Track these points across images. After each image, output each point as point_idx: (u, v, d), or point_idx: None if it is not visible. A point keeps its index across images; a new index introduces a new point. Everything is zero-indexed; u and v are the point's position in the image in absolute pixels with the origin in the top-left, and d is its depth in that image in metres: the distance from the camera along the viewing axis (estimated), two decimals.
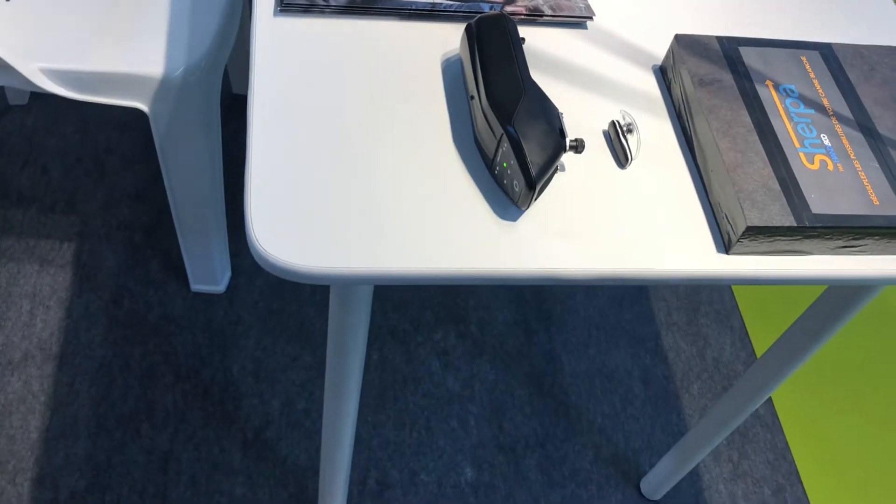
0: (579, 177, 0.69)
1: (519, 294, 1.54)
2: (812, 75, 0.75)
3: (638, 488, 1.35)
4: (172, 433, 1.29)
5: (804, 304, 1.63)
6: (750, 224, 0.63)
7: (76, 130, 1.63)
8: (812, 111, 0.72)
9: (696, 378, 1.49)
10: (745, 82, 0.73)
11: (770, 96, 0.72)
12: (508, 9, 0.78)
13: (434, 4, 0.77)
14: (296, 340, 1.42)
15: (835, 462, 1.44)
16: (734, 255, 0.66)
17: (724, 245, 0.66)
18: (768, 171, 0.67)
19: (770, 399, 1.49)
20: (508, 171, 0.64)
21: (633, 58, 0.79)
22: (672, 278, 0.64)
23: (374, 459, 1.32)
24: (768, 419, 1.46)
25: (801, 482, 1.40)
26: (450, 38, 0.77)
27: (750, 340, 1.55)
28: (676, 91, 0.74)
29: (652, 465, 1.36)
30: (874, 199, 0.67)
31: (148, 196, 1.55)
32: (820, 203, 0.65)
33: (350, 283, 0.60)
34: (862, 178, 0.68)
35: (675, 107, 0.75)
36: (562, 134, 0.64)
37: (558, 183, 0.68)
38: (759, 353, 1.54)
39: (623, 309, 1.55)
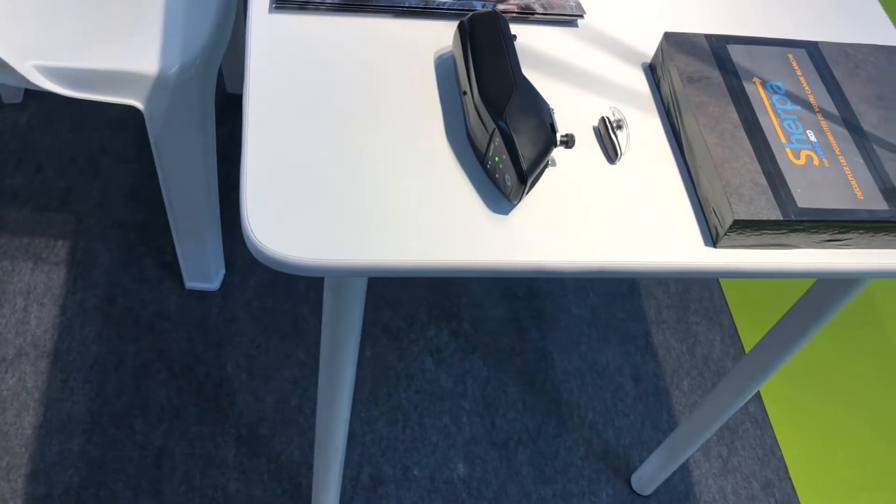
0: (570, 172, 0.70)
1: (511, 292, 1.55)
2: (798, 73, 0.76)
3: (629, 483, 1.36)
4: (167, 429, 1.30)
5: (792, 302, 1.65)
6: (737, 217, 0.64)
7: (71, 128, 1.63)
8: (798, 108, 0.73)
9: (686, 375, 1.50)
10: (733, 79, 0.74)
11: (757, 93, 0.73)
12: (500, 7, 0.80)
13: (427, 2, 0.78)
14: (289, 338, 1.43)
15: (823, 458, 1.45)
16: (721, 249, 0.67)
17: (712, 239, 0.67)
18: (755, 166, 0.68)
19: (759, 396, 1.50)
20: (500, 166, 0.65)
21: (623, 55, 0.80)
22: (661, 271, 0.65)
23: (367, 455, 1.32)
24: (758, 415, 1.47)
25: (789, 477, 1.42)
26: (443, 35, 0.78)
27: (739, 337, 1.57)
28: (665, 88, 0.76)
29: (642, 461, 1.38)
30: (858, 193, 0.68)
31: (142, 194, 1.56)
32: (806, 197, 0.67)
33: (344, 275, 0.61)
34: (847, 173, 0.69)
35: (664, 103, 0.76)
36: (553, 129, 0.65)
37: (549, 177, 0.69)
38: (748, 350, 1.56)
39: (614, 307, 1.57)
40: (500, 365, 1.46)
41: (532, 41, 0.79)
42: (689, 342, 1.55)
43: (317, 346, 1.42)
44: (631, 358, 1.50)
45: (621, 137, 0.72)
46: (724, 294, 1.62)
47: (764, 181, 0.67)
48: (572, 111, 0.74)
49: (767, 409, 1.49)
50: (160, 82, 1.05)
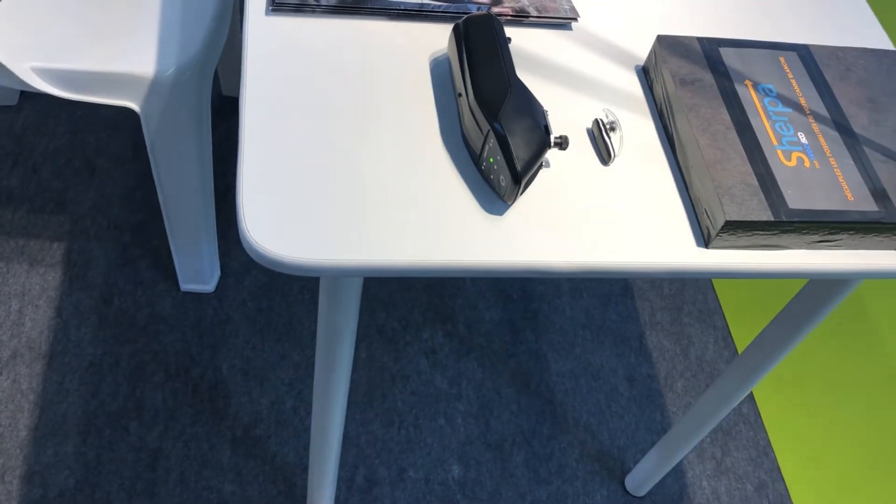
0: (564, 173, 0.70)
1: (506, 293, 1.56)
2: (790, 75, 0.77)
3: (623, 485, 1.36)
4: (162, 431, 1.30)
5: (785, 303, 1.66)
6: (728, 218, 0.65)
7: (66, 130, 1.63)
8: (790, 110, 0.74)
9: (680, 376, 1.51)
10: (725, 82, 0.75)
11: (749, 95, 0.74)
12: (495, 9, 0.80)
13: (422, 5, 0.79)
14: (284, 339, 1.43)
15: (816, 459, 1.46)
16: (713, 250, 0.68)
17: (704, 239, 0.68)
18: (747, 167, 0.69)
19: (752, 397, 1.51)
20: (495, 167, 0.65)
21: (617, 58, 0.81)
22: (653, 271, 0.66)
23: (362, 456, 1.33)
24: (751, 417, 1.48)
25: (782, 478, 1.42)
26: (438, 37, 0.78)
27: (732, 339, 1.58)
28: (658, 90, 0.76)
29: (636, 462, 1.38)
30: (849, 195, 0.69)
31: (138, 196, 1.56)
32: (796, 199, 0.67)
33: (339, 275, 0.62)
34: (837, 174, 0.70)
35: (656, 105, 0.77)
36: (547, 131, 0.66)
37: (543, 178, 0.70)
38: (741, 352, 1.57)
39: (608, 309, 1.57)
40: (494, 366, 1.46)
41: (526, 44, 0.80)
42: (683, 344, 1.55)
43: (312, 347, 1.43)
44: (625, 359, 1.51)
45: (614, 139, 0.73)
46: (717, 296, 1.63)
47: (755, 182, 0.68)
48: (566, 113, 0.75)
49: (761, 410, 1.49)
50: (156, 84, 1.06)
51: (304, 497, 1.28)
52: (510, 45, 0.79)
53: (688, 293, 1.63)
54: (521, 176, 0.63)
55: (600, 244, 0.66)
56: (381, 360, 1.44)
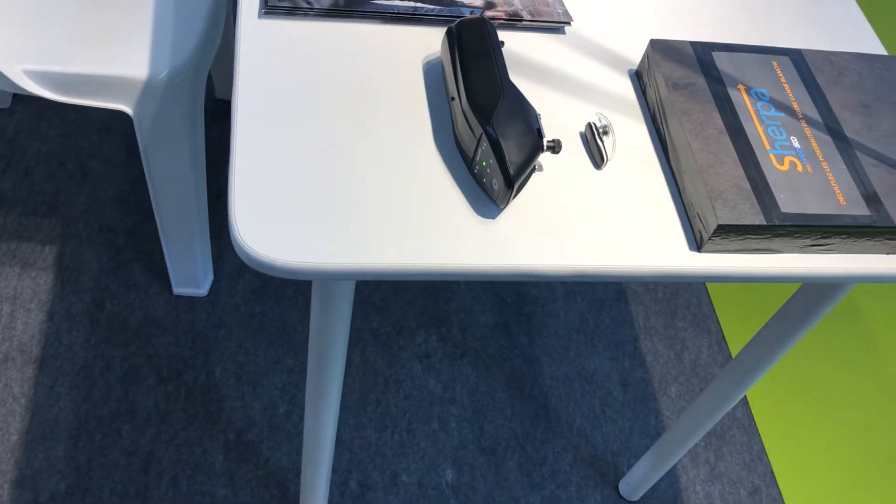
0: (556, 176, 0.70)
1: (500, 297, 1.56)
2: (783, 80, 0.77)
3: (616, 489, 1.36)
4: (154, 435, 1.29)
5: (778, 307, 1.66)
6: (721, 222, 0.65)
7: (59, 133, 1.63)
8: (782, 114, 0.74)
9: (674, 381, 1.51)
10: (718, 86, 0.75)
11: (742, 100, 0.74)
12: (488, 13, 0.80)
13: (416, 8, 0.79)
14: (277, 343, 1.42)
15: (810, 463, 1.46)
16: (706, 254, 0.68)
17: (697, 243, 0.68)
18: (739, 171, 0.69)
19: (746, 401, 1.51)
20: (488, 170, 0.65)
21: (610, 62, 0.81)
22: (646, 275, 0.66)
23: (355, 461, 1.32)
24: (745, 422, 1.48)
25: (776, 483, 1.42)
26: (431, 41, 0.78)
27: (726, 343, 1.58)
28: (651, 94, 0.76)
29: (630, 467, 1.38)
30: (841, 199, 0.69)
31: (131, 199, 1.55)
32: (789, 203, 0.68)
33: (331, 279, 0.62)
34: (830, 179, 0.70)
35: (649, 109, 0.77)
36: (539, 134, 0.66)
37: (536, 182, 0.70)
38: (735, 356, 1.57)
39: (602, 313, 1.57)
40: (488, 371, 1.46)
41: (519, 47, 0.80)
42: (677, 348, 1.55)
43: (305, 351, 1.42)
44: (619, 364, 1.51)
45: (607, 143, 0.73)
46: (711, 300, 1.63)
47: (748, 186, 0.68)
48: (559, 117, 0.75)
49: (754, 414, 1.49)
50: (149, 87, 1.05)
51: (297, 502, 1.27)
52: (503, 49, 0.79)
53: (682, 297, 1.63)
54: (513, 180, 0.63)
55: (593, 248, 0.66)
56: (374, 364, 1.43)
